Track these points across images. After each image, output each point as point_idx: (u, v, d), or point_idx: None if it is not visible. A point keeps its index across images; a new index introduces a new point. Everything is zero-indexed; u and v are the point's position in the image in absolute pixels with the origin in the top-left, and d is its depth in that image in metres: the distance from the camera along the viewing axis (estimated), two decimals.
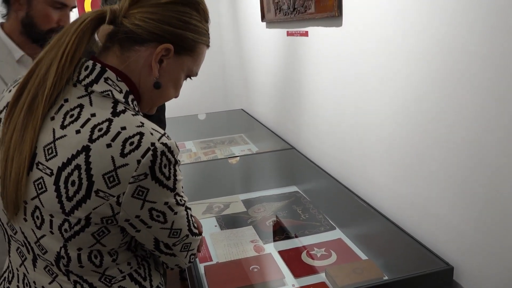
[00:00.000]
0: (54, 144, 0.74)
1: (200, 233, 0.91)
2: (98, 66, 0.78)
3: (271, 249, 1.73)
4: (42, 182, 0.74)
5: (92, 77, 0.77)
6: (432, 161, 1.30)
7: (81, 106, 0.75)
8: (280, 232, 1.86)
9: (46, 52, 0.77)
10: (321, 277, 1.52)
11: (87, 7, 3.70)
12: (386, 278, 1.44)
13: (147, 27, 0.79)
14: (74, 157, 0.72)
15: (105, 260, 0.80)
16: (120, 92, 0.78)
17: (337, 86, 1.85)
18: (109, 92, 0.77)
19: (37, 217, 0.76)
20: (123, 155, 0.71)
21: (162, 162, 0.73)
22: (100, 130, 0.73)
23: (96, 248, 0.78)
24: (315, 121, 2.14)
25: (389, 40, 1.42)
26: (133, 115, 0.76)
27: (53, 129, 0.75)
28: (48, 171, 0.73)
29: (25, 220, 0.78)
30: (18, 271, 0.86)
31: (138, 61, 0.80)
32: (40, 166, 0.74)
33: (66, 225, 0.74)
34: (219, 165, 2.37)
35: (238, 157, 2.36)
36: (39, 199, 0.74)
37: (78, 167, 0.71)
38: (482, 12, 1.04)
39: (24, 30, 1.25)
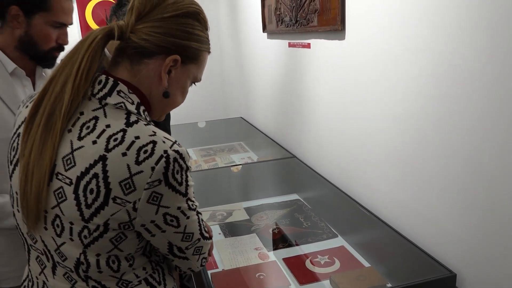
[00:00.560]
0: (72, 155, 0.78)
1: (210, 237, 0.96)
2: (111, 80, 0.82)
3: (275, 256, 1.77)
4: (62, 191, 0.78)
5: (106, 90, 0.81)
6: (433, 169, 1.35)
7: (96, 118, 0.80)
8: (283, 240, 1.90)
9: (59, 70, 0.81)
10: (325, 284, 1.55)
11: (88, 16, 3.73)
12: (389, 285, 1.48)
13: (155, 41, 0.83)
14: (92, 166, 0.76)
15: (122, 265, 0.84)
16: (132, 103, 0.82)
17: (339, 97, 1.90)
18: (122, 104, 0.81)
19: (57, 225, 0.80)
20: (138, 162, 0.75)
21: (175, 169, 0.77)
22: (115, 140, 0.77)
23: (114, 253, 0.82)
24: (317, 130, 2.19)
25: (391, 53, 1.47)
26: (145, 124, 0.80)
27: (71, 141, 0.79)
28: (67, 181, 0.77)
29: (46, 228, 0.81)
30: (37, 279, 0.90)
31: (147, 73, 0.85)
32: (60, 176, 0.78)
33: (85, 232, 0.78)
34: (221, 173, 2.41)
35: (241, 165, 2.39)
36: (59, 208, 0.78)
37: (96, 175, 0.75)
38: (483, 26, 1.09)
39: (21, 47, 1.25)
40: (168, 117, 2.07)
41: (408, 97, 1.42)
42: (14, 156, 0.86)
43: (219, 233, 1.98)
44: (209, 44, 0.94)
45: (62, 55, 1.32)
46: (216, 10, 4.12)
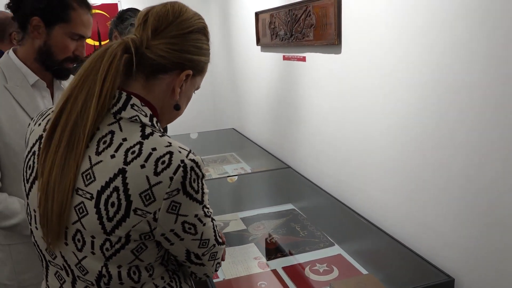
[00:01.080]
0: (92, 170, 0.79)
1: (223, 243, 0.98)
2: (124, 94, 0.83)
3: (275, 265, 1.80)
4: (83, 206, 0.78)
5: (120, 105, 0.82)
6: (429, 177, 1.40)
7: (112, 133, 0.81)
8: (281, 249, 1.93)
9: (76, 88, 0.81)
10: None
11: None
12: None
13: (172, 58, 0.85)
14: (111, 180, 0.77)
15: (142, 275, 0.85)
16: (146, 116, 0.84)
17: (336, 109, 1.95)
18: (137, 117, 0.83)
19: (78, 240, 0.80)
20: (156, 173, 0.77)
21: (192, 177, 0.79)
22: (133, 153, 0.78)
23: (135, 264, 0.83)
24: (312, 141, 2.24)
25: (386, 67, 1.54)
26: (160, 136, 0.82)
27: (89, 157, 0.80)
28: (88, 196, 0.78)
29: (66, 244, 0.82)
30: None
31: (161, 87, 0.88)
32: (80, 192, 0.79)
33: (107, 244, 0.79)
34: (216, 184, 2.43)
35: (236, 176, 2.43)
36: (81, 223, 0.79)
37: (116, 189, 0.77)
38: (476, 39, 1.16)
39: (39, 57, 1.28)
40: (166, 128, 2.10)
41: (403, 108, 1.48)
42: (30, 175, 0.86)
43: None
44: (210, 54, 0.98)
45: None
46: (208, 22, 4.16)
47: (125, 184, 0.76)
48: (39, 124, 0.89)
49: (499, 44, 1.10)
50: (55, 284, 0.89)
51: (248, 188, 2.45)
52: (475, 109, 1.20)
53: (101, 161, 0.79)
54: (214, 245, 0.92)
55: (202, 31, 0.91)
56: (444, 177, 1.35)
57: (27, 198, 0.88)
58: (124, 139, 0.80)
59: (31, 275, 1.33)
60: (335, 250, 1.90)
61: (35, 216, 0.86)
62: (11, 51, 1.31)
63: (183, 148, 0.81)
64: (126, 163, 0.77)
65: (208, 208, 0.87)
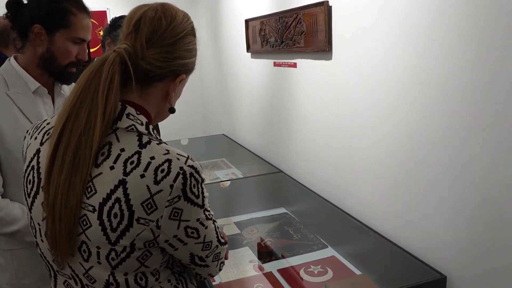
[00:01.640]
0: (92, 182, 0.79)
1: (226, 242, 0.99)
2: (119, 104, 0.83)
3: (270, 268, 1.82)
4: (86, 219, 0.79)
5: (115, 115, 0.82)
6: (421, 178, 1.45)
7: (109, 144, 0.81)
8: (275, 252, 1.96)
9: (74, 107, 0.79)
10: None
11: None
12: None
13: (168, 66, 0.86)
14: (112, 191, 0.78)
15: (149, 280, 0.87)
16: (141, 124, 0.84)
17: (327, 114, 2.00)
18: (133, 127, 0.83)
19: (84, 251, 0.81)
20: (156, 182, 0.78)
21: (192, 183, 0.80)
22: (131, 163, 0.79)
23: (141, 270, 0.84)
24: (303, 145, 2.28)
25: (377, 72, 1.59)
26: (157, 144, 0.82)
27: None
28: (90, 208, 0.79)
29: (72, 255, 0.83)
30: None
31: (156, 94, 0.89)
32: (83, 205, 0.79)
33: (113, 254, 0.80)
34: (209, 189, 2.41)
35: (229, 181, 2.45)
36: (85, 235, 0.80)
37: (118, 200, 0.77)
38: (466, 43, 1.22)
39: (43, 64, 1.30)
40: (158, 132, 2.12)
41: (392, 113, 1.53)
42: (31, 189, 0.86)
43: None
44: None
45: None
46: (197, 28, 4.19)
47: (126, 194, 0.77)
48: (35, 138, 0.89)
49: (488, 49, 1.16)
50: None
51: (241, 192, 2.48)
52: (464, 112, 1.25)
53: (100, 173, 0.79)
54: (217, 246, 0.93)
55: (191, 32, 0.92)
56: (434, 177, 1.39)
57: (30, 212, 0.88)
58: (122, 150, 0.80)
59: (31, 280, 1.34)
60: (329, 252, 1.94)
61: (39, 229, 0.86)
62: (12, 59, 1.32)
63: (181, 155, 0.82)
64: (125, 173, 0.78)
65: (209, 211, 0.89)
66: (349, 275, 1.72)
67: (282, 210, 2.45)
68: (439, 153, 1.36)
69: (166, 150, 0.81)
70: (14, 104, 1.27)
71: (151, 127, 0.87)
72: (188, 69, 0.92)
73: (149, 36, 0.84)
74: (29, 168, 0.88)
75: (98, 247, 0.80)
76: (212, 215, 0.91)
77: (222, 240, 0.96)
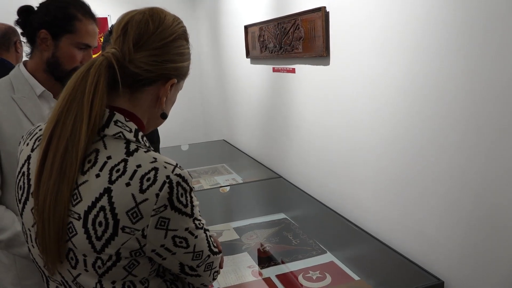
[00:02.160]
0: (78, 190, 0.78)
1: (220, 251, 0.97)
2: (107, 111, 0.82)
3: (268, 273, 1.82)
4: (72, 226, 0.78)
5: (103, 121, 0.81)
6: (420, 185, 1.45)
7: (96, 151, 0.80)
8: (274, 258, 1.95)
9: (62, 113, 0.79)
10: None
11: None
12: None
13: (157, 70, 0.84)
14: (97, 200, 0.77)
15: None
16: (130, 131, 0.83)
17: (325, 119, 2.00)
18: (120, 134, 0.81)
19: (72, 258, 0.81)
20: (142, 191, 0.76)
21: (179, 192, 0.78)
22: (117, 171, 0.77)
23: (128, 279, 0.83)
24: (303, 151, 2.28)
25: (374, 77, 1.60)
26: (145, 152, 0.81)
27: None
28: (76, 216, 0.78)
29: (61, 262, 0.82)
30: None
31: (147, 99, 0.87)
32: (69, 212, 0.78)
33: (99, 263, 0.79)
34: (208, 194, 2.45)
35: (229, 186, 2.45)
36: (72, 242, 0.79)
37: (102, 208, 0.76)
38: (464, 47, 1.22)
39: (48, 69, 1.32)
40: (158, 140, 2.12)
41: (389, 117, 1.54)
42: (22, 195, 0.86)
43: None
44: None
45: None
46: (197, 35, 4.23)
47: (111, 203, 0.76)
48: (27, 144, 0.89)
49: (486, 55, 1.16)
50: None
51: (240, 198, 2.48)
52: (459, 118, 1.25)
53: (86, 180, 0.78)
54: (209, 256, 0.91)
55: (183, 36, 0.90)
56: (430, 182, 1.39)
57: (21, 218, 0.88)
58: (109, 157, 0.79)
59: (34, 281, 1.34)
60: (327, 257, 1.93)
61: (30, 235, 0.86)
62: (21, 64, 1.35)
63: (168, 163, 0.80)
64: (111, 182, 0.77)
65: (199, 220, 0.86)
66: (348, 281, 1.72)
67: (281, 215, 2.45)
68: (436, 159, 1.36)
69: (154, 158, 0.80)
70: (18, 107, 1.28)
71: (140, 134, 0.85)
72: (180, 73, 0.90)
73: (136, 39, 0.83)
74: (20, 174, 0.88)
75: (84, 255, 0.79)
76: (203, 224, 0.88)
77: (215, 250, 0.94)
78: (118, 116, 0.83)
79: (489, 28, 1.13)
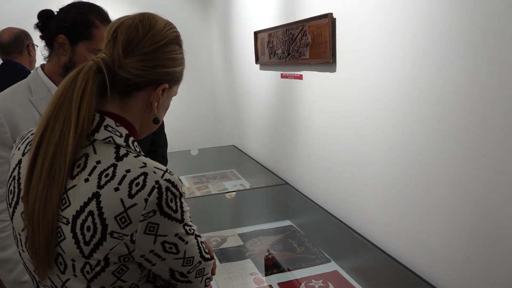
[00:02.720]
0: (67, 194, 0.78)
1: (212, 258, 0.96)
2: (97, 115, 0.82)
3: (271, 281, 1.80)
4: (61, 231, 0.78)
5: (93, 126, 0.81)
6: (423, 196, 1.42)
7: (86, 155, 0.80)
8: (278, 265, 1.94)
9: (52, 116, 0.79)
10: None
11: None
12: None
13: (147, 75, 0.84)
14: (86, 204, 0.76)
15: None
16: (120, 136, 0.83)
17: (332, 126, 1.98)
18: (110, 139, 0.81)
19: (60, 263, 0.80)
20: (131, 196, 0.76)
21: (168, 197, 0.78)
22: (106, 176, 0.77)
23: (117, 285, 0.82)
24: (310, 158, 2.27)
25: (380, 84, 1.57)
26: (135, 157, 0.80)
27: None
28: (64, 220, 0.77)
29: (50, 267, 0.82)
30: None
31: (137, 104, 0.87)
32: (58, 217, 0.78)
33: (87, 268, 0.78)
34: (214, 200, 2.45)
35: (234, 192, 2.44)
36: (60, 247, 0.78)
37: (91, 213, 0.76)
38: (467, 57, 1.20)
39: (65, 73, 1.32)
40: (166, 144, 2.13)
41: (396, 125, 1.51)
42: (12, 199, 0.86)
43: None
44: (184, 60, 0.93)
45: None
46: (208, 42, 4.25)
47: (99, 208, 0.76)
48: (19, 148, 0.89)
49: (489, 62, 1.14)
50: None
51: (246, 204, 2.47)
52: (464, 127, 1.22)
53: (75, 185, 0.78)
54: (200, 262, 0.90)
55: (175, 41, 0.89)
56: (436, 193, 1.36)
57: (12, 222, 0.88)
58: (98, 162, 0.79)
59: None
60: (332, 266, 1.91)
61: (20, 239, 0.86)
62: (39, 68, 1.37)
63: (158, 168, 0.80)
64: (100, 186, 0.77)
65: (190, 226, 0.85)
66: None
67: (287, 222, 2.43)
68: (441, 169, 1.33)
69: (143, 163, 0.79)
70: (36, 110, 1.31)
71: (131, 139, 0.85)
72: (172, 78, 0.89)
73: (126, 44, 0.83)
74: (11, 179, 0.88)
75: (73, 260, 0.79)
76: (194, 229, 0.88)
77: (207, 256, 0.93)
78: (109, 121, 0.83)
79: (496, 35, 1.11)
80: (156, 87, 0.86)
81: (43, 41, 1.35)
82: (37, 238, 0.78)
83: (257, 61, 2.84)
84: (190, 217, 0.86)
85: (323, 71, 1.99)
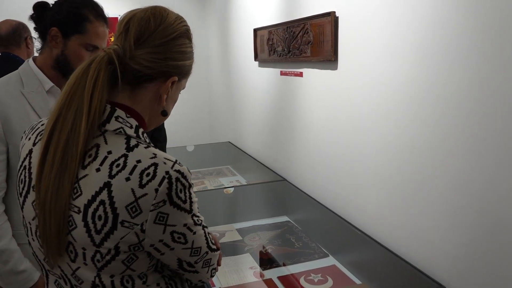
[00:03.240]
0: (78, 184, 0.79)
1: (218, 248, 0.98)
2: (108, 106, 0.83)
3: (270, 275, 1.82)
4: (72, 220, 0.79)
5: (104, 117, 0.82)
6: (422, 191, 1.46)
7: (97, 146, 0.81)
8: (277, 259, 1.96)
9: (64, 105, 0.81)
10: None
11: None
12: None
13: (157, 67, 0.85)
14: (97, 193, 0.78)
15: (136, 283, 0.86)
16: (131, 127, 0.84)
17: (331, 123, 2.01)
18: (121, 129, 0.83)
19: (71, 251, 0.82)
20: (141, 186, 0.77)
21: (178, 188, 0.79)
22: (117, 166, 0.79)
23: (127, 273, 0.84)
24: (308, 155, 2.29)
25: (382, 82, 1.61)
26: (145, 147, 0.82)
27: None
28: (76, 209, 0.79)
29: (60, 255, 0.83)
30: None
31: (147, 95, 0.89)
32: (69, 206, 0.79)
33: (98, 256, 0.80)
34: (212, 195, 2.47)
35: (233, 188, 2.46)
36: (71, 235, 0.80)
37: (102, 202, 0.77)
38: (470, 56, 1.23)
39: (57, 66, 1.35)
40: (165, 140, 2.15)
41: (396, 123, 1.55)
42: (23, 189, 0.87)
43: None
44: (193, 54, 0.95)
45: None
46: (206, 38, 4.26)
47: (110, 197, 0.77)
48: (29, 139, 0.90)
49: (489, 61, 1.17)
50: None
51: (244, 199, 2.49)
52: (464, 122, 1.26)
53: (87, 174, 0.79)
54: (207, 252, 0.91)
55: (185, 34, 0.91)
56: (435, 188, 1.40)
57: (22, 211, 0.89)
58: (109, 152, 0.80)
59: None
60: (330, 261, 1.94)
61: (30, 228, 0.87)
62: (31, 60, 1.37)
63: (168, 159, 0.81)
64: (111, 176, 0.78)
65: (198, 217, 0.87)
66: (350, 284, 1.72)
67: (284, 218, 2.46)
68: (439, 163, 1.37)
69: (153, 154, 0.81)
70: (27, 102, 1.31)
71: (141, 130, 0.87)
72: (181, 71, 0.90)
73: (137, 36, 0.84)
74: (22, 168, 0.89)
75: (83, 248, 0.80)
76: (201, 220, 0.89)
77: (213, 246, 0.94)
78: (119, 112, 0.84)
79: (504, 35, 1.14)
80: (165, 80, 0.88)
81: (37, 32, 1.35)
82: (49, 227, 0.79)
83: (256, 58, 2.85)
84: (198, 208, 0.87)
85: (325, 69, 2.02)
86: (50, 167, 0.79)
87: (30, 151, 0.88)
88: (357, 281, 1.75)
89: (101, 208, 0.77)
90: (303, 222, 2.31)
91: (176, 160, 0.83)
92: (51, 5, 1.34)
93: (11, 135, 1.28)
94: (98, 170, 0.79)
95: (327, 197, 2.13)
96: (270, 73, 2.69)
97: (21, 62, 2.52)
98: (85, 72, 0.82)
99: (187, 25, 0.93)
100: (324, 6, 1.96)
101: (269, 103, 2.76)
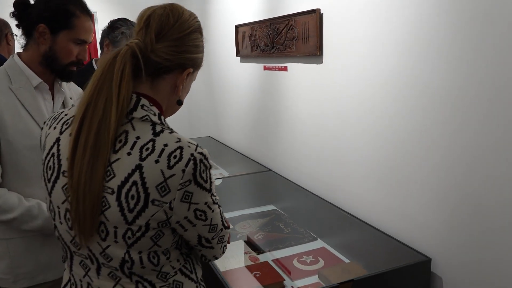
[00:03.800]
0: (111, 167, 0.86)
1: (229, 227, 1.07)
2: (134, 95, 0.90)
3: (265, 258, 1.93)
4: (106, 201, 0.86)
5: (131, 106, 0.90)
6: (408, 171, 1.60)
7: (126, 132, 0.88)
8: (269, 244, 2.07)
9: (92, 96, 0.87)
10: (314, 278, 1.74)
11: None
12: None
13: (175, 59, 0.93)
14: (130, 175, 0.85)
15: (161, 259, 0.94)
16: (154, 115, 0.92)
17: (316, 114, 2.13)
18: (147, 117, 0.90)
19: (102, 231, 0.88)
20: (169, 167, 0.85)
21: (201, 168, 0.88)
22: (147, 149, 0.86)
23: (153, 249, 0.92)
24: (294, 145, 2.41)
25: (366, 75, 1.74)
26: (170, 133, 0.90)
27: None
28: (109, 191, 0.86)
29: (91, 235, 0.90)
30: (81, 281, 0.98)
31: (165, 86, 0.97)
32: (102, 188, 0.86)
33: (129, 233, 0.88)
34: None
35: (221, 179, 2.54)
36: (104, 215, 0.87)
37: (135, 183, 0.85)
38: (455, 45, 1.37)
39: (45, 62, 1.37)
40: None
41: (380, 113, 1.68)
42: (51, 175, 0.93)
43: None
44: None
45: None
46: None
47: (142, 178, 0.85)
48: (54, 128, 0.96)
49: (475, 53, 1.32)
50: (80, 273, 0.97)
51: (231, 190, 2.57)
52: (448, 110, 1.41)
53: (118, 158, 0.86)
54: (221, 229, 1.00)
55: (198, 30, 1.00)
56: (419, 171, 1.54)
57: (50, 196, 0.95)
58: (138, 137, 0.87)
59: (27, 269, 1.38)
60: (319, 243, 2.06)
61: (59, 212, 0.93)
62: (16, 55, 1.38)
63: (191, 143, 0.90)
64: (142, 159, 0.85)
65: (215, 196, 0.96)
66: (340, 263, 1.85)
67: (271, 207, 2.57)
68: (424, 149, 1.51)
69: (178, 138, 0.89)
70: (16, 98, 1.33)
71: (163, 117, 0.95)
72: (195, 63, 0.99)
73: (158, 31, 0.92)
74: (49, 156, 0.95)
75: (115, 227, 0.87)
76: (217, 199, 0.99)
77: (226, 224, 1.04)
78: (144, 101, 0.92)
79: (484, 30, 1.28)
80: (182, 71, 0.96)
81: (20, 29, 1.36)
82: (82, 208, 0.86)
83: (237, 54, 2.93)
84: (214, 188, 0.96)
85: (310, 63, 2.13)
86: (83, 152, 0.86)
87: (58, 139, 0.94)
88: (346, 260, 1.88)
89: (133, 188, 0.85)
90: (290, 209, 2.43)
91: (198, 144, 0.91)
92: (32, 2, 1.34)
93: (3, 131, 1.29)
94: (129, 154, 0.86)
95: (314, 185, 2.25)
96: (253, 68, 2.78)
97: (1, 58, 2.50)
98: (112, 64, 0.89)
99: (199, 21, 1.02)
100: (308, 3, 2.07)
101: (252, 97, 2.85)
